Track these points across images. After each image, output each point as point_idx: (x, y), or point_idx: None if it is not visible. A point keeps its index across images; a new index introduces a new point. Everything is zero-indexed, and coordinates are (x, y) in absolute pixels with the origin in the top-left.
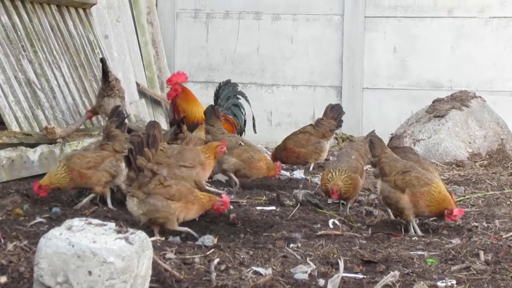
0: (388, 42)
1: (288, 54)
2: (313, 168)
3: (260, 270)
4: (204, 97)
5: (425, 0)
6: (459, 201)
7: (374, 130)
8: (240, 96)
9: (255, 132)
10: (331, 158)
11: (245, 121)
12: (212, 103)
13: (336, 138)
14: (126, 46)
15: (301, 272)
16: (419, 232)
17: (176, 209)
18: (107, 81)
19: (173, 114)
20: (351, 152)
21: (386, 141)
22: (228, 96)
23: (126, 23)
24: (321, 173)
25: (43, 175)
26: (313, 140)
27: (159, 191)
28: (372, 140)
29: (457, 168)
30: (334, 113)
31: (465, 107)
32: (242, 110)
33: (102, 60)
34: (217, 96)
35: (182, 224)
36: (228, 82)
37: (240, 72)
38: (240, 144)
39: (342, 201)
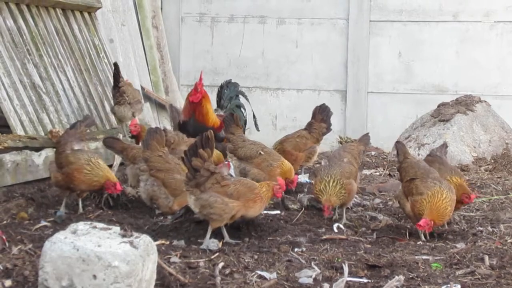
0: (393, 46)
1: (293, 58)
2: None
3: (265, 274)
4: None
5: (430, 4)
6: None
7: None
8: (240, 96)
9: (257, 130)
10: (323, 161)
11: (245, 121)
12: (214, 106)
13: (340, 142)
14: (131, 50)
15: (306, 277)
16: (423, 238)
17: (234, 208)
18: (117, 87)
19: (189, 115)
20: (343, 155)
21: (390, 145)
22: (230, 96)
23: (131, 27)
24: (311, 178)
25: (48, 178)
26: (309, 145)
27: (216, 190)
28: (397, 146)
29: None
30: (323, 114)
31: (470, 111)
32: (243, 110)
33: (115, 65)
34: (219, 97)
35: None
36: (229, 82)
37: (245, 76)
38: (260, 153)
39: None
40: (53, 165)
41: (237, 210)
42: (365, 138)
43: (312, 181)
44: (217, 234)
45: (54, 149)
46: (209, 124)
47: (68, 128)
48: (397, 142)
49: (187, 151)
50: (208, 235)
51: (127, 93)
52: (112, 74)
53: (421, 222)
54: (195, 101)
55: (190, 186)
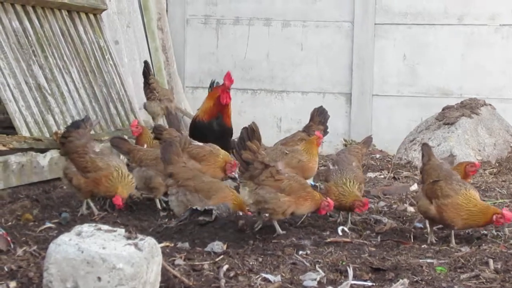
0: (398, 49)
1: (297, 60)
2: None
3: (269, 277)
4: None
5: (435, 7)
6: None
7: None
8: None
9: None
10: (330, 165)
11: None
12: None
13: (345, 145)
14: (136, 51)
15: (310, 279)
16: (432, 239)
17: (285, 203)
18: (148, 84)
19: (214, 116)
20: (350, 158)
21: (395, 148)
22: None
23: (136, 28)
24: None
25: (53, 180)
26: None
27: (269, 183)
28: (422, 147)
29: None
30: (321, 117)
31: (475, 114)
32: None
33: (146, 62)
34: None
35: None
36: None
37: (249, 79)
38: (286, 153)
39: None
40: (70, 168)
41: (289, 206)
42: (368, 141)
43: (318, 184)
44: (221, 237)
45: (67, 151)
46: (230, 125)
47: (72, 127)
48: (424, 144)
49: (235, 145)
50: (277, 227)
51: (157, 89)
52: (117, 75)
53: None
54: (228, 102)
55: (244, 178)
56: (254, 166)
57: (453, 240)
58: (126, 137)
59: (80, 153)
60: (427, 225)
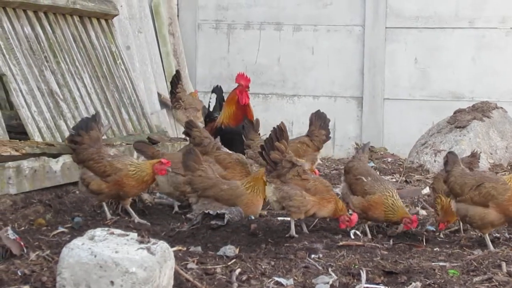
0: (409, 52)
1: (309, 64)
2: None
3: (282, 280)
4: None
5: (446, 11)
6: None
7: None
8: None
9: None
10: (363, 178)
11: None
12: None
13: (356, 149)
14: (148, 56)
15: (323, 283)
16: (491, 248)
17: (309, 202)
18: (174, 93)
19: (241, 119)
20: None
21: (406, 151)
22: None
23: (148, 34)
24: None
25: (65, 185)
26: (309, 152)
27: (295, 181)
28: (447, 155)
29: None
30: (320, 121)
31: (486, 118)
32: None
33: (177, 72)
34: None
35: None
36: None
37: (261, 83)
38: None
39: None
40: (88, 175)
41: (312, 205)
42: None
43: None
44: (233, 240)
45: (81, 159)
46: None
47: (83, 129)
48: (449, 153)
49: (263, 145)
50: (292, 226)
51: (183, 99)
52: (129, 80)
53: None
54: (247, 102)
55: (272, 176)
56: (282, 165)
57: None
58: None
59: (96, 159)
60: (486, 236)
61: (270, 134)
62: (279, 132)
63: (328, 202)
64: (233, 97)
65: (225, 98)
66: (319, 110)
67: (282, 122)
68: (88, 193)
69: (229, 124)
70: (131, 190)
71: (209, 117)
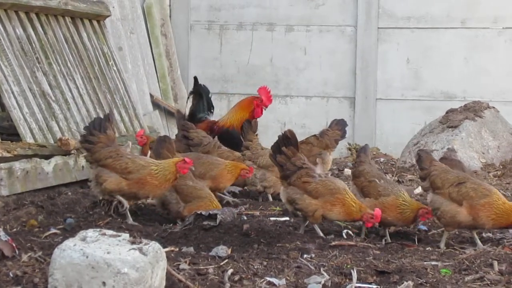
0: (401, 53)
1: (301, 65)
2: None
3: (274, 280)
4: (218, 108)
5: (438, 11)
6: None
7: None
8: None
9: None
10: (377, 180)
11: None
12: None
13: (349, 149)
14: (140, 58)
15: (315, 283)
16: (480, 245)
17: (312, 205)
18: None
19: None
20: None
21: (399, 151)
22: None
23: (140, 35)
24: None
25: (57, 186)
26: (315, 151)
27: (297, 184)
28: (420, 153)
29: None
30: (339, 126)
31: (478, 117)
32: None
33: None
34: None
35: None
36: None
37: (253, 84)
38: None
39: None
40: (104, 172)
41: (316, 209)
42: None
43: None
44: (226, 241)
45: (97, 158)
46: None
47: (98, 130)
48: (421, 150)
49: (271, 147)
50: (316, 229)
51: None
52: (121, 81)
53: None
54: (260, 116)
55: (281, 177)
56: (287, 167)
57: (479, 242)
58: (130, 143)
59: (115, 157)
60: (474, 234)
61: (277, 139)
62: (286, 139)
63: (332, 205)
64: (249, 105)
65: (238, 102)
66: (342, 119)
67: (289, 130)
68: (102, 193)
69: (235, 128)
70: (153, 190)
71: (194, 118)
